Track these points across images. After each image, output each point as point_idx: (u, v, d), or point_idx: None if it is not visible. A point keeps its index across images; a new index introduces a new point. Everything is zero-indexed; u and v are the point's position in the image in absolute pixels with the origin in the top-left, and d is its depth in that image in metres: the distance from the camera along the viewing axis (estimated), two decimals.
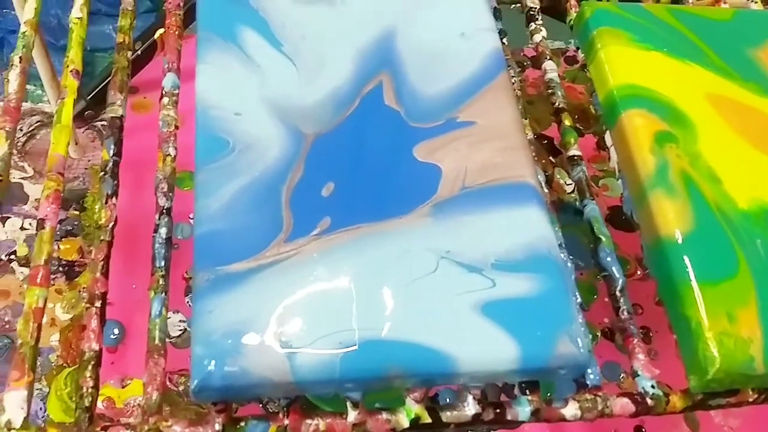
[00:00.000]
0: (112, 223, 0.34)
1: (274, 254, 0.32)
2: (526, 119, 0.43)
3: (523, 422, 0.34)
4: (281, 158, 0.35)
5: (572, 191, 0.62)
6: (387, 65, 0.39)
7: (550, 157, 0.63)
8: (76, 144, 0.77)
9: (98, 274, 0.33)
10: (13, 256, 0.70)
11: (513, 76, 0.44)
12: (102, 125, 0.74)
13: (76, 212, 0.68)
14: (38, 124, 0.79)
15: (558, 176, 0.62)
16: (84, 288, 0.64)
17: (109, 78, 0.42)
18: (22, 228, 0.72)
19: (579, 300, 0.36)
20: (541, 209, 0.36)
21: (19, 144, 0.75)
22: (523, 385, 0.35)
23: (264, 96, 0.37)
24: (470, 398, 0.33)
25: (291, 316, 0.30)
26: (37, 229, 0.34)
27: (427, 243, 0.34)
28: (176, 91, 0.39)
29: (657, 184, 0.37)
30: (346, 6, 0.42)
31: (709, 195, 0.37)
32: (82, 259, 0.66)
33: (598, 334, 0.56)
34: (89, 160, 0.73)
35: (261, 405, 0.52)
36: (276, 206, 0.33)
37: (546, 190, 0.39)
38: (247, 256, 0.32)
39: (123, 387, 0.57)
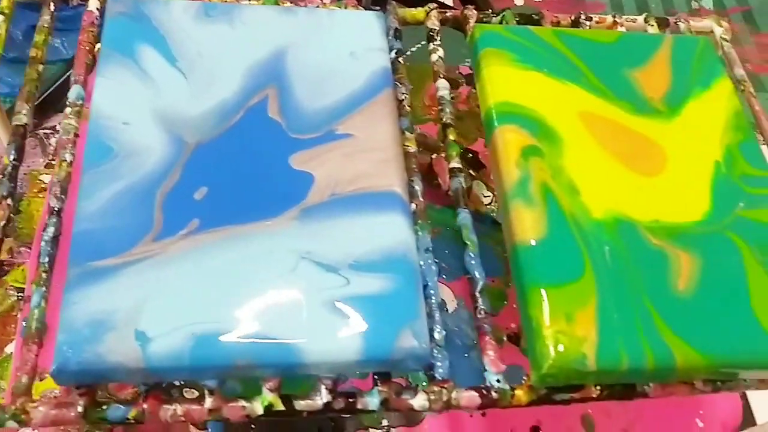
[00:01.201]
0: (3, 222, 0.38)
1: (141, 252, 0.35)
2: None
3: (374, 411, 0.36)
4: (160, 164, 0.38)
5: (489, 203, 0.65)
6: (275, 81, 0.43)
7: (470, 171, 0.66)
8: None
9: None
10: None
11: (404, 93, 0.47)
12: (44, 133, 0.77)
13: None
14: None
15: (476, 189, 0.64)
16: (11, 286, 0.67)
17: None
18: None
19: (438, 301, 0.39)
20: (403, 216, 0.39)
21: None
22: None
23: (154, 107, 0.40)
24: (322, 388, 0.35)
25: (149, 309, 0.33)
26: None
27: (291, 244, 0.37)
28: (80, 102, 0.42)
29: (518, 195, 0.40)
30: (245, 26, 0.45)
31: (565, 205, 0.40)
32: (11, 259, 0.69)
33: (504, 337, 0.58)
34: (29, 166, 0.77)
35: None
36: (149, 208, 0.36)
37: (421, 199, 0.42)
38: (115, 253, 0.35)
39: (41, 380, 0.60)
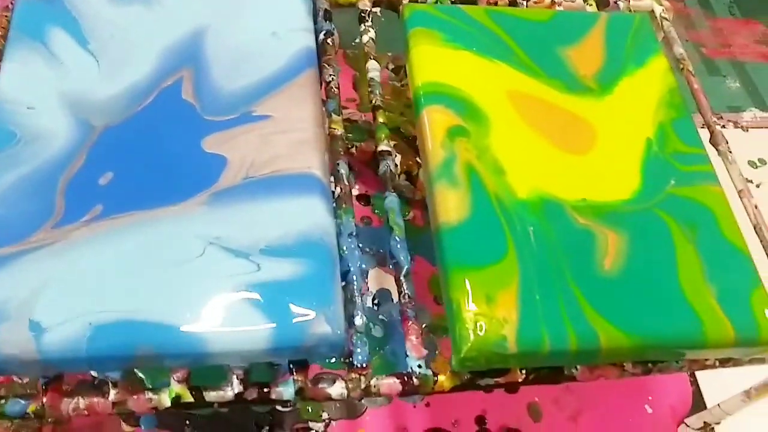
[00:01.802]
0: None
1: (40, 239, 0.33)
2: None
3: (289, 401, 0.35)
4: (64, 149, 0.36)
5: None
6: (191, 62, 0.41)
7: (417, 158, 0.65)
8: None
9: None
10: None
11: (332, 75, 0.45)
12: None
13: None
14: None
15: (422, 176, 0.63)
16: None
17: None
18: None
19: (359, 287, 0.37)
20: (322, 199, 0.37)
21: None
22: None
23: (61, 91, 0.38)
24: (234, 378, 0.34)
25: (45, 298, 0.32)
26: None
27: (198, 229, 0.35)
28: None
29: (442, 176, 0.39)
30: (162, 7, 0.43)
31: (490, 186, 0.39)
32: None
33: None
34: None
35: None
36: (50, 194, 0.35)
37: (346, 183, 0.41)
38: (13, 241, 0.33)
39: None
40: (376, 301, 0.58)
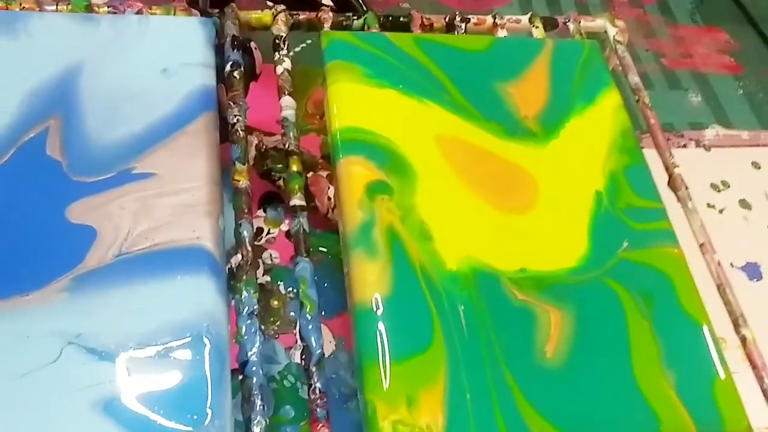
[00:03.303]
0: None
1: None
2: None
3: None
4: None
5: None
6: (60, 108, 0.34)
7: None
8: None
9: None
10: None
11: (237, 116, 0.39)
12: None
13: None
14: None
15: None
16: None
17: None
18: None
19: (261, 380, 0.31)
20: (211, 277, 0.31)
21: None
22: None
23: None
24: None
25: None
26: None
27: (55, 325, 0.29)
28: None
29: (359, 243, 0.33)
30: (30, 39, 0.36)
31: (415, 255, 0.33)
32: None
33: None
34: None
35: None
36: None
37: (249, 249, 0.35)
38: None
39: None
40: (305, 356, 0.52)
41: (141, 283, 0.30)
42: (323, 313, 0.57)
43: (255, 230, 0.58)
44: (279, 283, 0.56)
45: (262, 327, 0.55)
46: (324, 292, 0.58)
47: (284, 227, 0.60)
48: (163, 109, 0.35)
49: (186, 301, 0.30)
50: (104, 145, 0.34)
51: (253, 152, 0.56)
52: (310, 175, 0.57)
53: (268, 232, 0.57)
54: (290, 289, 0.55)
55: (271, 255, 0.56)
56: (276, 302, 0.55)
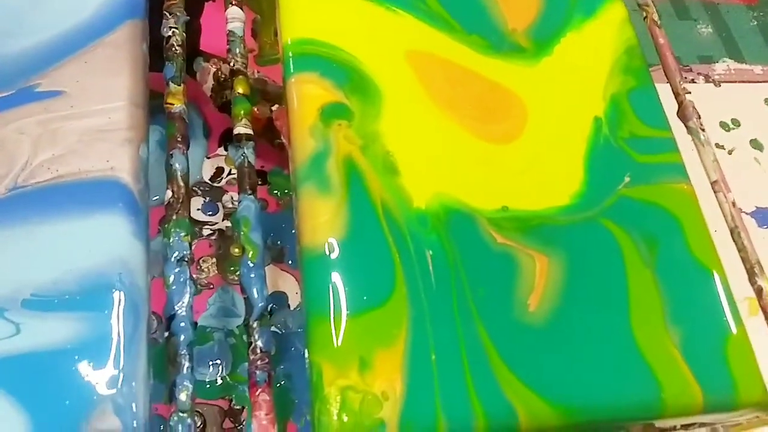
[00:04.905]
0: None
1: None
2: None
3: None
4: None
5: None
6: None
7: None
8: None
9: None
10: None
11: (173, 27, 0.33)
12: None
13: None
14: None
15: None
16: None
17: None
18: None
19: (190, 337, 0.27)
20: (127, 217, 0.26)
21: None
22: None
23: None
24: None
25: None
26: None
27: None
28: None
29: (310, 177, 0.28)
30: None
31: (376, 191, 0.28)
32: None
33: None
34: None
35: None
36: None
37: (181, 184, 0.29)
38: None
39: None
40: (268, 309, 0.47)
41: (40, 222, 0.25)
42: (290, 262, 0.52)
43: (215, 170, 0.55)
44: None
45: (226, 275, 0.50)
46: (290, 237, 0.53)
47: None
48: (78, 15, 0.29)
49: (95, 244, 0.25)
50: (2, 57, 0.28)
51: (210, 81, 0.50)
52: (275, 108, 0.52)
53: (230, 173, 0.52)
54: None
55: (232, 198, 0.51)
56: (237, 249, 0.50)
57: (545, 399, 0.25)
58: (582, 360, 0.26)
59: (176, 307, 0.27)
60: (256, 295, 0.28)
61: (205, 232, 0.49)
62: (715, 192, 0.35)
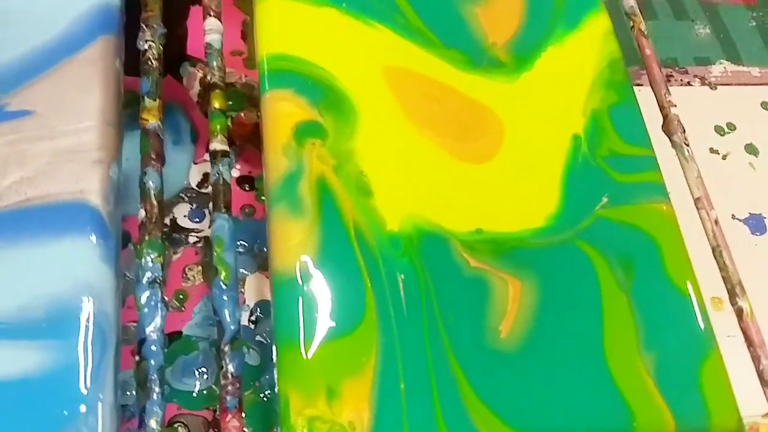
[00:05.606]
0: None
1: None
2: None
3: None
4: None
5: None
6: None
7: None
8: None
9: None
10: None
11: (150, 41, 0.33)
12: None
13: None
14: None
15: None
16: None
17: None
18: None
19: (158, 364, 0.26)
20: (96, 241, 0.26)
21: None
22: None
23: None
24: None
25: None
26: None
27: None
28: None
29: (282, 198, 0.27)
30: None
31: (348, 213, 0.27)
32: None
33: None
34: None
35: None
36: None
37: (154, 203, 0.29)
38: None
39: None
40: (253, 318, 0.47)
41: (7, 247, 0.25)
42: None
43: (202, 176, 0.55)
44: None
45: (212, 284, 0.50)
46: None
47: (235, 173, 0.54)
48: (49, 32, 0.29)
49: (62, 269, 0.25)
50: None
51: (197, 88, 0.50)
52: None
53: None
54: (239, 242, 0.50)
55: None
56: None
57: (515, 429, 0.24)
58: (553, 388, 0.25)
59: (147, 331, 0.27)
60: (228, 318, 0.28)
61: (192, 239, 0.49)
62: (698, 209, 0.34)
